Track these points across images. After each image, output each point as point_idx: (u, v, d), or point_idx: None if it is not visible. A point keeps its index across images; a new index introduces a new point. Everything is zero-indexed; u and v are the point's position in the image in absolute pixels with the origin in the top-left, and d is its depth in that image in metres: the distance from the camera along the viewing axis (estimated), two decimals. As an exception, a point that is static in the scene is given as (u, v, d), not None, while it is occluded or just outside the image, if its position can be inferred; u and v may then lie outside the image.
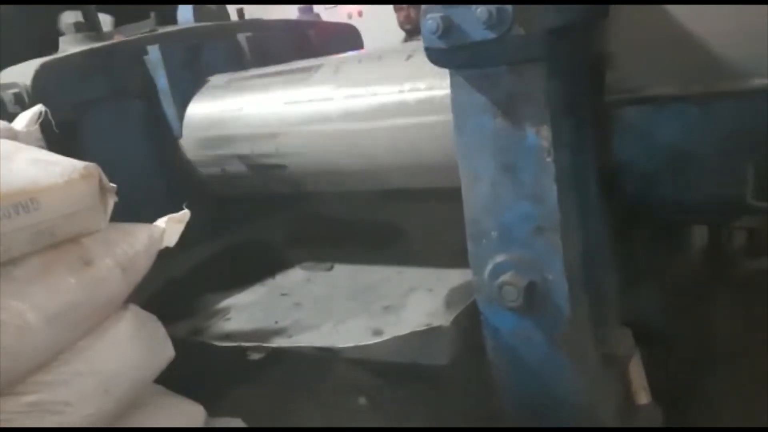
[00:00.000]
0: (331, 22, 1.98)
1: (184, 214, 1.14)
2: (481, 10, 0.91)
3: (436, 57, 1.01)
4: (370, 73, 1.36)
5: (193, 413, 1.18)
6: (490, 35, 0.92)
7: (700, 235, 1.82)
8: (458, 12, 0.93)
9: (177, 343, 1.22)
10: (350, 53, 1.63)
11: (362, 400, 1.49)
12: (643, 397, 1.19)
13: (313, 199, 1.65)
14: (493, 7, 0.91)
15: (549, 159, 1.00)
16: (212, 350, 1.32)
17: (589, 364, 1.10)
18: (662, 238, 1.40)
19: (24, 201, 0.96)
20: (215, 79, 1.61)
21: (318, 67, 1.47)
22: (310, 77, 1.45)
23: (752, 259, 1.82)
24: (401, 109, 1.28)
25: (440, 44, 0.97)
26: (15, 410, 0.93)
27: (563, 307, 1.05)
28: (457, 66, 1.03)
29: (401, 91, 1.27)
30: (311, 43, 1.77)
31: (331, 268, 1.62)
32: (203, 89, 1.59)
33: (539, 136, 1.00)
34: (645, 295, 1.39)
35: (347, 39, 1.91)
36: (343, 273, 1.58)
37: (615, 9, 1.03)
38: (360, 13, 5.39)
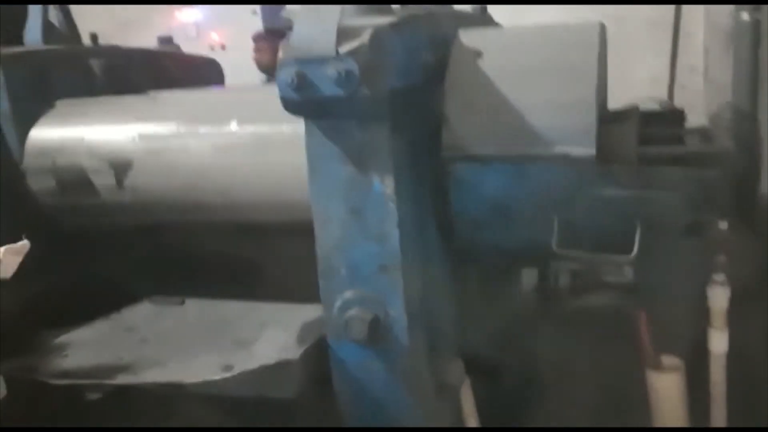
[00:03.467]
0: (191, 55, 2.04)
1: (23, 245, 1.15)
2: (331, 70, 1.05)
3: (290, 107, 1.13)
4: (226, 109, 1.46)
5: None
6: (340, 92, 1.07)
7: (530, 274, 2.10)
8: (311, 68, 1.07)
9: (8, 382, 1.20)
10: (209, 88, 1.71)
11: (209, 439, 1.53)
12: (472, 421, 1.37)
13: (164, 233, 1.68)
14: (342, 68, 1.05)
15: (392, 205, 1.16)
16: (47, 390, 1.30)
17: (425, 392, 1.26)
18: (493, 278, 1.62)
19: None
20: (62, 104, 1.61)
21: (172, 98, 1.54)
22: (163, 108, 1.52)
23: (575, 298, 2.12)
24: (257, 145, 1.39)
25: (294, 96, 1.10)
26: None
27: (403, 340, 1.20)
28: (310, 116, 1.16)
29: (256, 129, 1.39)
30: (169, 75, 1.83)
31: (182, 302, 1.65)
32: (48, 114, 1.59)
33: (384, 184, 1.16)
34: (476, 331, 1.60)
35: (208, 73, 1.99)
36: (195, 308, 1.62)
37: (450, 74, 1.23)
38: (223, 47, 5.47)
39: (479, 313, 1.57)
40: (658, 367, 1.51)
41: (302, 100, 1.10)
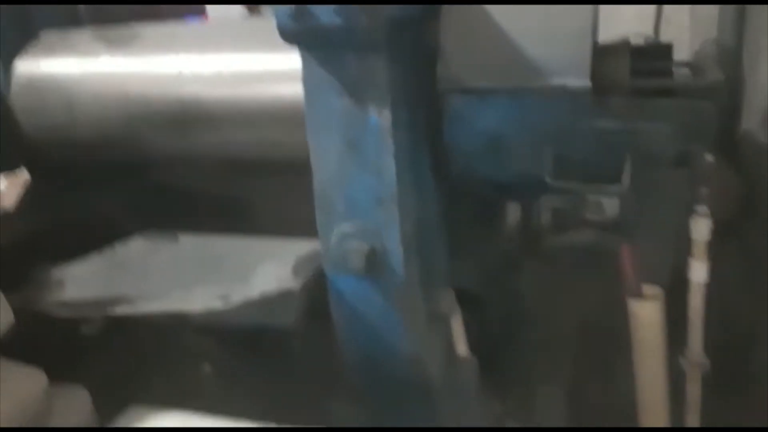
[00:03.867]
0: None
1: (24, 177, 1.15)
2: (331, -3, 1.05)
3: (288, 36, 1.13)
4: (214, 40, 1.45)
5: (34, 379, 1.20)
6: (338, 21, 1.07)
7: (514, 213, 2.15)
8: (311, -3, 1.06)
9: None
10: (192, 21, 1.68)
11: (206, 368, 1.58)
12: (462, 349, 1.44)
13: (158, 169, 1.68)
14: (341, -4, 1.05)
15: (389, 137, 1.18)
16: (49, 322, 1.33)
17: (419, 320, 1.31)
18: (481, 216, 1.66)
19: None
20: (47, 36, 1.58)
21: (162, 31, 1.51)
22: (153, 41, 1.50)
23: (556, 236, 2.19)
24: (253, 77, 1.39)
25: (293, 25, 1.09)
26: None
27: (399, 271, 1.24)
28: (307, 46, 1.16)
29: (250, 60, 1.38)
30: (155, 7, 1.78)
31: (176, 238, 1.67)
32: (35, 45, 1.55)
33: (381, 117, 1.17)
34: (466, 263, 1.65)
35: (191, 7, 1.94)
36: (189, 243, 1.64)
37: (446, 8, 1.23)
38: None
39: (467, 247, 1.61)
40: (639, 295, 1.58)
41: (300, 29, 1.10)
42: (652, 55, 1.68)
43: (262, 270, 1.44)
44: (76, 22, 1.63)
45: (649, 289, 1.61)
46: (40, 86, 1.50)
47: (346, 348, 1.34)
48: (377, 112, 1.17)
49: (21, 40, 1.53)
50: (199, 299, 1.33)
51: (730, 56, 2.42)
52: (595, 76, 1.26)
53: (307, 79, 1.19)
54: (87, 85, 1.48)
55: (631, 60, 1.45)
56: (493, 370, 1.65)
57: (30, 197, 1.21)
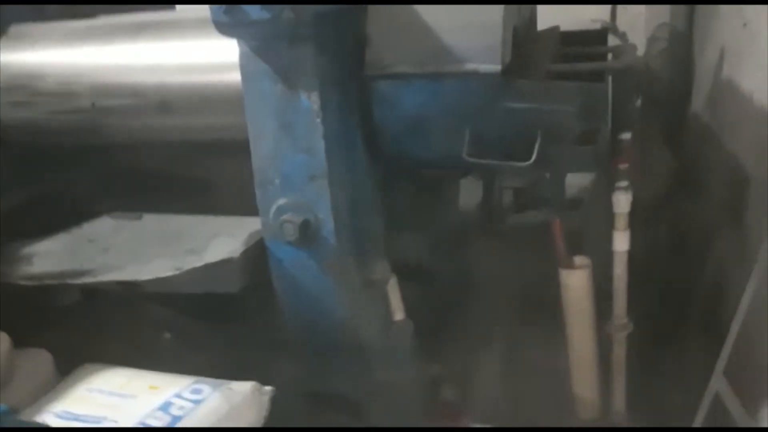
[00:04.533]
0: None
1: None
2: (256, -5, 1.17)
3: (223, 29, 1.25)
4: (169, 30, 1.58)
5: (-3, 340, 1.34)
6: (266, 15, 1.19)
7: (474, 192, 2.28)
8: (239, -7, 1.19)
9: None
10: (156, 13, 1.81)
11: (167, 335, 1.72)
12: (398, 314, 1.57)
13: (122, 152, 1.81)
14: (267, -7, 1.17)
15: (318, 120, 1.31)
16: (16, 291, 1.47)
17: (352, 286, 1.45)
18: (425, 193, 1.79)
19: None
20: (17, 29, 1.71)
21: (127, 23, 1.64)
22: (111, 31, 1.63)
23: (517, 214, 2.32)
24: (206, 66, 1.52)
25: (225, 19, 1.22)
26: None
27: (331, 240, 1.38)
28: (242, 38, 1.29)
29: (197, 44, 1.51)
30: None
31: (140, 217, 1.81)
32: (4, 38, 1.68)
33: (310, 101, 1.30)
34: (413, 238, 1.78)
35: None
36: (152, 222, 1.78)
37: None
38: None
39: (412, 221, 1.75)
40: (569, 265, 1.72)
41: (232, 23, 1.22)
42: (586, 41, 1.81)
43: (214, 244, 1.58)
44: (43, 19, 1.76)
45: (579, 259, 1.75)
46: (8, 73, 1.63)
47: (287, 311, 1.48)
48: (307, 96, 1.30)
49: (-9, 34, 1.65)
50: (154, 270, 1.46)
51: (682, 40, 2.54)
52: (517, 61, 1.40)
53: (244, 67, 1.32)
54: (50, 72, 1.61)
55: (564, 46, 1.58)
56: (435, 335, 1.80)
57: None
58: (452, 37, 1.33)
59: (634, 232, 1.66)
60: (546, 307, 1.78)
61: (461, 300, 1.97)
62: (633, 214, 1.64)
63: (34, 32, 1.72)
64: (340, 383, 1.53)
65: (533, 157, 1.32)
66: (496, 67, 1.31)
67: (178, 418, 1.20)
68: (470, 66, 1.32)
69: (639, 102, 2.12)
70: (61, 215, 1.74)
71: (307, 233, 1.37)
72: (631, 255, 1.68)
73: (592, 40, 1.78)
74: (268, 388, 1.33)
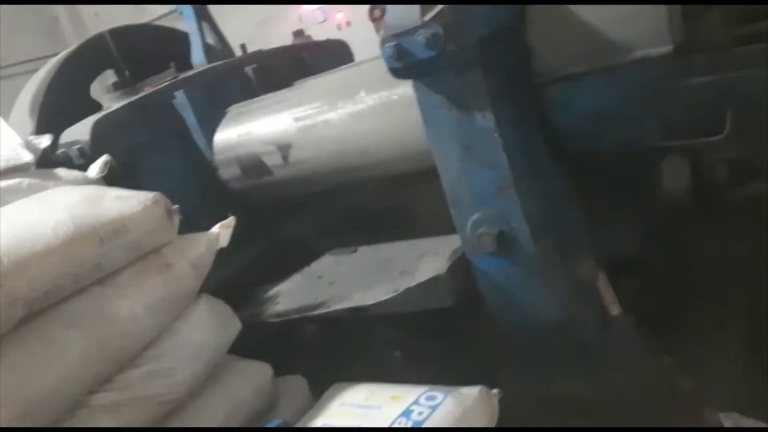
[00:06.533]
0: (321, 42, 2.41)
1: (231, 220, 1.61)
2: (420, 37, 1.33)
3: (398, 74, 1.44)
4: (355, 83, 1.81)
5: (262, 371, 1.65)
6: (431, 53, 1.35)
7: (683, 171, 2.19)
8: (405, 40, 1.36)
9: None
10: (340, 67, 2.08)
11: (397, 353, 1.94)
12: (614, 309, 1.60)
13: (330, 195, 2.09)
14: (428, 33, 1.33)
15: (496, 135, 1.42)
16: (267, 328, 1.79)
17: (559, 287, 1.52)
18: (624, 180, 1.79)
19: (117, 227, 1.43)
20: (233, 109, 2.08)
21: (313, 83, 1.92)
22: (307, 93, 1.91)
23: (739, 187, 2.17)
24: (385, 110, 1.72)
25: (398, 65, 1.40)
26: (137, 377, 1.41)
27: (529, 246, 1.47)
28: (415, 77, 1.46)
29: (382, 96, 1.71)
30: (307, 63, 2.22)
31: (355, 250, 2.07)
32: (225, 119, 2.06)
33: (485, 119, 1.42)
34: (621, 232, 1.79)
35: (338, 54, 2.35)
36: (366, 253, 2.03)
37: (529, 11, 1.45)
38: (348, 23, 5.94)
39: (616, 216, 1.76)
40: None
41: (404, 67, 1.40)
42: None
43: (422, 263, 1.76)
44: (251, 94, 2.12)
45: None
46: (233, 148, 2.00)
47: (501, 320, 1.59)
48: (482, 115, 1.42)
49: (216, 118, 2.04)
50: (375, 294, 1.68)
51: None
52: (691, 35, 1.38)
53: (421, 101, 1.49)
54: (264, 139, 1.94)
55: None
56: (662, 327, 1.77)
57: (238, 235, 1.66)
58: (616, 28, 1.36)
59: None
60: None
61: (684, 287, 1.91)
62: None
63: (244, 109, 2.06)
64: (569, 385, 1.59)
65: (726, 130, 1.30)
66: (668, 48, 1.31)
67: (419, 423, 1.37)
68: (640, 52, 1.34)
69: None
70: (291, 258, 2.06)
71: (505, 242, 1.48)
72: None
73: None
74: (495, 390, 1.45)
